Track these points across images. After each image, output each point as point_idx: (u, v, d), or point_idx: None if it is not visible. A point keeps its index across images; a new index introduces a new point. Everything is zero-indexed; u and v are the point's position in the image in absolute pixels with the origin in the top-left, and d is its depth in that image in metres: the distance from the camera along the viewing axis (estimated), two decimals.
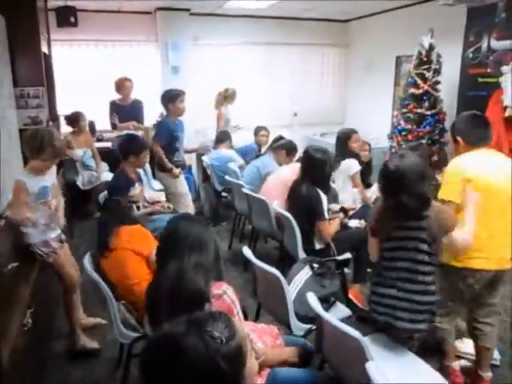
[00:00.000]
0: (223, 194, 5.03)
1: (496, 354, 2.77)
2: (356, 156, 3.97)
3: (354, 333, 1.71)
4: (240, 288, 3.69)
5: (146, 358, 1.07)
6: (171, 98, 3.99)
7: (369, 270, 3.06)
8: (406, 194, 1.97)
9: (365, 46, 7.04)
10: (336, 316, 2.25)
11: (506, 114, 3.81)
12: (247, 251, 2.45)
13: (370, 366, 1.53)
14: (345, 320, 2.32)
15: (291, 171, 3.52)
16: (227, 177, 4.50)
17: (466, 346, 2.71)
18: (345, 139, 4.03)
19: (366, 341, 1.73)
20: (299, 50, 7.19)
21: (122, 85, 5.29)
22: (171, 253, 1.70)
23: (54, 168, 2.80)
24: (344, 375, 2.00)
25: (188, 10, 6.18)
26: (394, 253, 2.10)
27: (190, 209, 4.23)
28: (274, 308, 2.49)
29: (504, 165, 2.28)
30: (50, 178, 2.66)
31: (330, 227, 3.09)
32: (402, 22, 6.00)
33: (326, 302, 2.47)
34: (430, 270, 2.06)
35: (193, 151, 5.79)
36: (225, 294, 1.71)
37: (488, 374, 2.47)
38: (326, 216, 3.06)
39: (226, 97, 5.90)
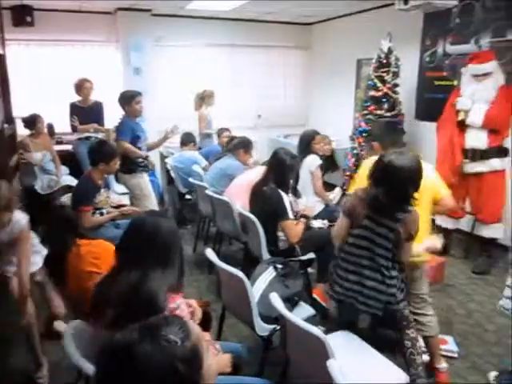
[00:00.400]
0: (187, 196, 5.00)
1: (453, 347, 2.88)
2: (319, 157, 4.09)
3: (317, 331, 1.73)
4: (205, 290, 3.68)
5: (100, 370, 1.03)
6: (127, 100, 4.02)
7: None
8: (394, 191, 2.04)
9: (327, 48, 7.16)
10: (300, 315, 2.27)
11: (459, 118, 3.95)
12: (211, 253, 2.44)
13: (332, 364, 1.55)
14: (309, 319, 2.36)
15: (258, 174, 3.53)
16: (191, 179, 4.47)
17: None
18: (308, 140, 4.15)
19: (329, 339, 1.76)
20: (263, 52, 7.24)
21: (81, 86, 5.18)
22: (133, 254, 1.61)
23: None
24: (308, 374, 2.02)
25: (149, 10, 6.10)
26: (362, 241, 2.16)
27: None
28: (238, 309, 2.50)
29: None
30: None
31: (297, 227, 3.12)
32: (362, 26, 6.14)
33: (290, 302, 2.49)
34: (390, 266, 2.13)
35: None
36: (179, 308, 1.63)
37: (443, 365, 2.56)
38: (291, 216, 3.09)
39: (203, 98, 5.89)
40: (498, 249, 4.10)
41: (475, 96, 3.83)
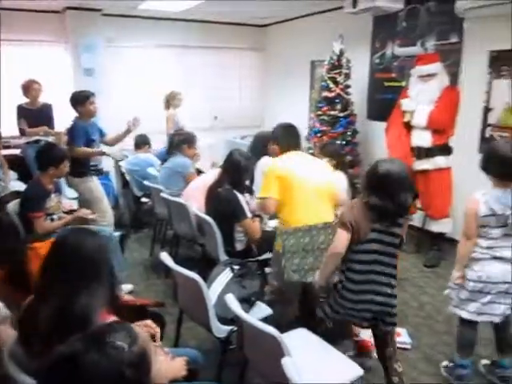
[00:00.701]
0: (143, 199, 4.91)
1: (407, 339, 2.98)
2: None
3: (272, 330, 1.74)
4: (162, 294, 3.63)
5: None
6: (81, 100, 3.89)
7: None
8: (394, 198, 2.04)
9: (282, 50, 7.24)
10: (257, 316, 2.29)
11: (405, 120, 4.09)
12: (166, 257, 2.41)
13: (286, 362, 1.57)
14: (266, 319, 2.37)
15: (215, 176, 3.52)
16: (146, 182, 4.39)
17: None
18: (264, 142, 4.14)
19: (285, 337, 1.78)
20: (217, 53, 7.22)
21: (29, 87, 4.98)
22: (58, 273, 1.52)
23: None
24: (266, 374, 2.04)
25: (100, 10, 5.95)
26: (372, 255, 2.12)
27: (109, 215, 4.08)
28: (195, 312, 2.48)
29: (310, 162, 2.87)
30: None
31: (256, 224, 3.14)
32: (315, 28, 6.25)
33: (247, 303, 2.50)
34: (395, 272, 2.19)
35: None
36: None
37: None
38: (249, 215, 3.11)
39: (169, 99, 5.82)
40: (447, 242, 4.27)
41: (419, 96, 3.99)
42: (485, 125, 4.31)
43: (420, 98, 3.97)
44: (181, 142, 4.39)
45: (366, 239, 2.10)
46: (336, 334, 2.53)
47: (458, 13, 4.26)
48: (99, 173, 4.17)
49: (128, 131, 4.23)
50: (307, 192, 2.67)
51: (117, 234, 3.91)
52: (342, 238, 2.11)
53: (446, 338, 3.02)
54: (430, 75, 3.95)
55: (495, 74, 4.18)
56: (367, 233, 2.09)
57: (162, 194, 3.83)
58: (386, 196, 2.04)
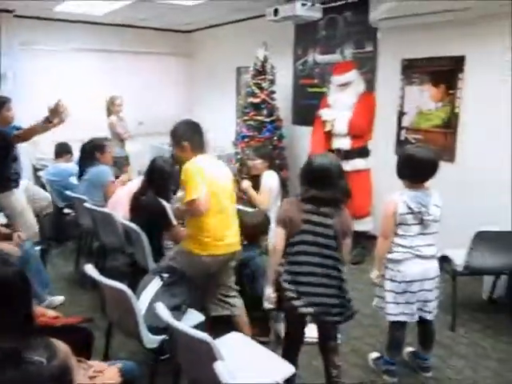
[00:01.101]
0: (66, 210, 4.67)
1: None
2: None
3: (203, 336, 1.74)
4: (89, 308, 3.47)
5: None
6: None
7: None
8: (332, 187, 2.16)
9: (207, 56, 7.25)
10: (190, 323, 2.27)
11: (326, 129, 4.23)
12: (91, 269, 2.32)
13: (218, 365, 1.57)
14: (199, 325, 2.35)
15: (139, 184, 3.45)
16: (68, 192, 4.18)
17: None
18: None
19: (217, 342, 1.78)
20: (142, 58, 7.09)
21: None
22: None
23: None
24: (200, 380, 2.02)
25: (12, 11, 5.60)
26: (308, 247, 2.19)
27: (34, 227, 3.82)
28: (124, 324, 2.40)
29: (219, 165, 2.76)
30: None
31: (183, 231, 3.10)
32: (240, 35, 6.33)
33: (179, 310, 2.46)
34: (337, 265, 2.23)
35: None
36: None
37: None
38: (175, 222, 3.06)
39: (109, 106, 5.62)
40: (370, 240, 4.49)
41: (337, 103, 4.19)
42: (400, 128, 4.61)
43: (338, 105, 4.17)
44: (92, 151, 4.18)
45: (298, 231, 2.19)
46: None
47: (372, 23, 4.54)
48: (18, 184, 3.86)
49: (52, 124, 3.43)
50: (225, 197, 2.64)
51: (37, 248, 3.69)
52: (279, 235, 2.24)
53: (372, 330, 3.18)
54: (347, 84, 4.16)
55: (407, 80, 4.50)
56: (300, 225, 2.18)
57: (86, 204, 3.67)
58: (324, 185, 2.16)
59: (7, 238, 3.15)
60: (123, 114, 5.79)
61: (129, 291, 2.14)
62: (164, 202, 3.06)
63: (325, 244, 2.18)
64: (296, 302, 2.17)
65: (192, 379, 2.09)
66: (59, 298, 3.52)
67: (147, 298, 2.40)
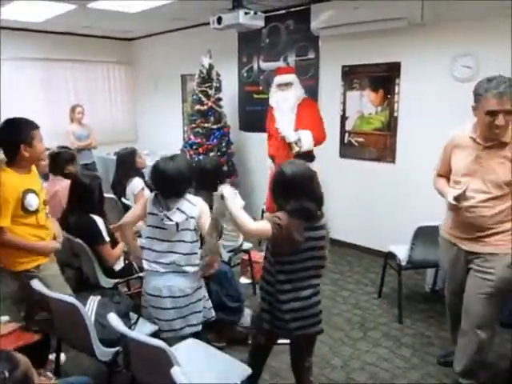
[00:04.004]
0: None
1: None
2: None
3: (159, 343, 1.73)
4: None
5: None
6: None
7: None
8: (308, 197, 1.99)
9: (150, 64, 7.17)
10: (143, 332, 2.24)
11: (294, 151, 4.14)
12: (37, 284, 2.24)
13: (175, 371, 1.57)
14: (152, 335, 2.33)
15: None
16: None
17: None
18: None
19: (173, 349, 1.77)
20: (83, 66, 6.90)
21: None
22: None
23: None
24: None
25: None
26: (304, 263, 2.04)
27: None
28: (75, 338, 2.33)
29: None
30: None
31: (116, 250, 3.00)
32: (184, 43, 6.31)
33: (127, 318, 2.42)
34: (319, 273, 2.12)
35: None
36: None
37: None
38: (107, 238, 2.93)
39: (70, 114, 5.88)
40: None
41: (280, 104, 4.27)
42: (343, 131, 4.79)
43: (281, 107, 4.25)
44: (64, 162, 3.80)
45: (301, 249, 2.00)
46: None
47: (313, 31, 4.70)
48: None
49: None
50: None
51: None
52: (263, 228, 1.97)
53: None
54: (287, 84, 4.27)
55: (348, 86, 4.69)
56: (300, 243, 1.98)
57: None
58: (305, 195, 1.99)
59: None
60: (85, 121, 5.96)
61: (79, 304, 2.10)
62: (95, 217, 2.91)
63: (319, 256, 2.07)
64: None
65: None
66: (4, 318, 3.34)
67: (90, 314, 2.30)
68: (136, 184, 3.91)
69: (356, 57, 4.55)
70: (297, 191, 2.00)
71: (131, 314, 2.52)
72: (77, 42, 6.68)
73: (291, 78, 4.30)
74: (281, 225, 1.92)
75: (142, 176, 4.07)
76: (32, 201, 2.41)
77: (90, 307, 2.34)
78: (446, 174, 2.51)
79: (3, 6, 4.70)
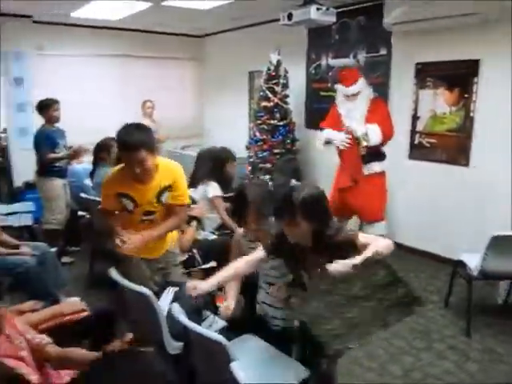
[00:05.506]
0: (81, 212, 4.71)
1: None
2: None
3: (219, 337, 1.75)
4: None
5: None
6: (45, 107, 4.35)
7: None
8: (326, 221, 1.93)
9: (220, 61, 7.29)
10: (213, 328, 2.25)
11: (361, 146, 3.98)
12: (113, 272, 2.34)
13: (234, 366, 1.58)
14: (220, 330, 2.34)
15: None
16: (83, 194, 4.22)
17: None
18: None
19: (232, 344, 1.79)
20: (156, 63, 7.15)
21: None
22: None
23: None
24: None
25: (30, 16, 5.71)
26: None
27: (60, 216, 4.56)
28: (144, 330, 2.40)
29: None
30: None
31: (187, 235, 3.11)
32: (253, 40, 6.36)
33: (198, 314, 2.45)
34: None
35: None
36: None
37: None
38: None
39: (142, 109, 6.31)
40: None
41: (350, 113, 4.06)
42: (414, 132, 4.60)
43: (351, 115, 4.05)
44: (98, 150, 4.21)
45: None
46: None
47: (386, 27, 4.54)
48: (62, 175, 4.51)
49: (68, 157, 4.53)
50: None
51: (53, 249, 3.76)
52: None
53: (382, 334, 3.16)
54: (355, 94, 4.06)
55: (421, 84, 4.49)
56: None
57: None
58: (323, 220, 1.91)
59: (15, 247, 3.33)
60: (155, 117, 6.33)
61: (153, 296, 2.15)
62: None
63: None
64: None
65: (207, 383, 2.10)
66: (75, 299, 3.55)
67: (166, 303, 2.37)
68: (214, 186, 3.77)
69: (430, 54, 4.34)
70: (319, 213, 1.91)
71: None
72: (150, 39, 6.92)
73: (358, 86, 4.03)
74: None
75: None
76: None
77: (168, 298, 2.38)
78: None
79: (83, 6, 5.00)
